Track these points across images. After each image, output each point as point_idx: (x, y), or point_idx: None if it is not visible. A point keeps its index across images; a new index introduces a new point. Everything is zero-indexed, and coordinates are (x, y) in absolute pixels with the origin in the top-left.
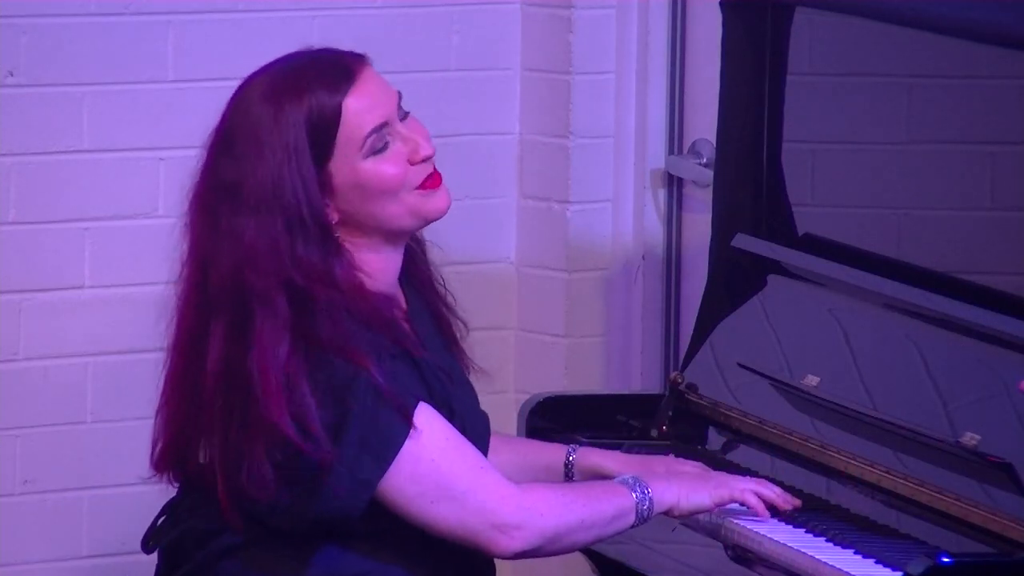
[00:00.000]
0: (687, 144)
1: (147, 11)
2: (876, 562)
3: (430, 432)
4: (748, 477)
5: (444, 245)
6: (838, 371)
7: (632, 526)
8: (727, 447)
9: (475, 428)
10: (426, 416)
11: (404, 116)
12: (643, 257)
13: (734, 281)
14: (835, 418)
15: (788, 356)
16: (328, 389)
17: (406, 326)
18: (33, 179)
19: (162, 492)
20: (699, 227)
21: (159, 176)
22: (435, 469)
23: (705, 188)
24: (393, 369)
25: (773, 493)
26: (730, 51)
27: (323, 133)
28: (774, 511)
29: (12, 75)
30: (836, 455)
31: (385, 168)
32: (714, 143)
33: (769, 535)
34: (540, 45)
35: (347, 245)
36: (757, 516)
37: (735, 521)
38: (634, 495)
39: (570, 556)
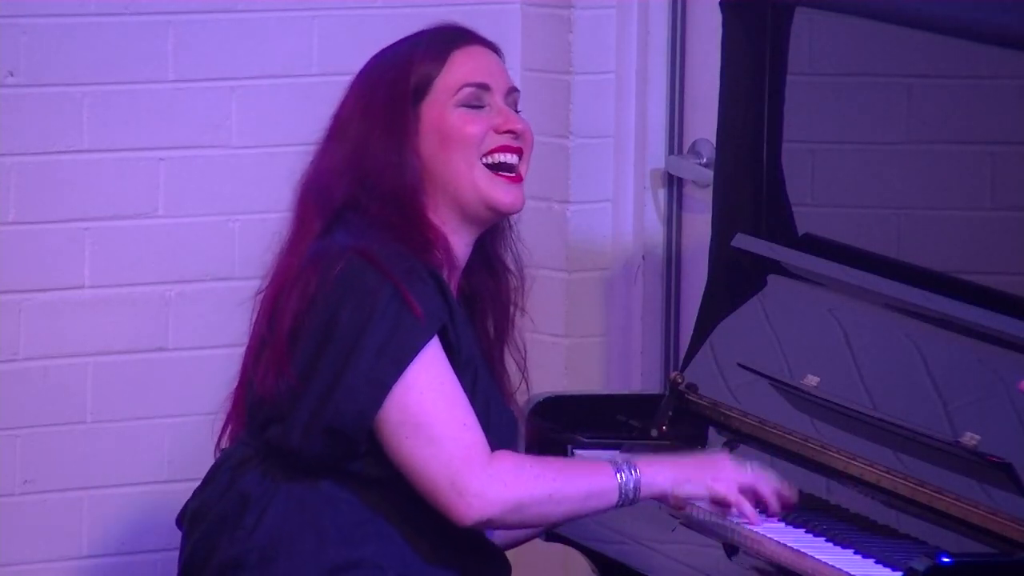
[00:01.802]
0: (687, 144)
1: (147, 11)
2: (876, 562)
3: (431, 367)
4: (753, 472)
5: None
6: (838, 371)
7: (616, 506)
8: (727, 447)
9: (495, 410)
10: (434, 351)
11: (514, 106)
12: (643, 257)
13: (734, 281)
14: (835, 418)
15: (788, 356)
16: (355, 292)
17: (446, 272)
18: (33, 179)
19: (163, 492)
20: (699, 227)
21: (159, 176)
22: (421, 403)
23: (705, 188)
24: (422, 292)
25: (769, 493)
26: (730, 51)
27: (425, 73)
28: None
29: (12, 75)
30: (836, 455)
31: (468, 121)
32: (714, 143)
33: (769, 535)
34: (540, 45)
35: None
36: (749, 522)
37: (735, 521)
38: (619, 476)
39: (570, 556)
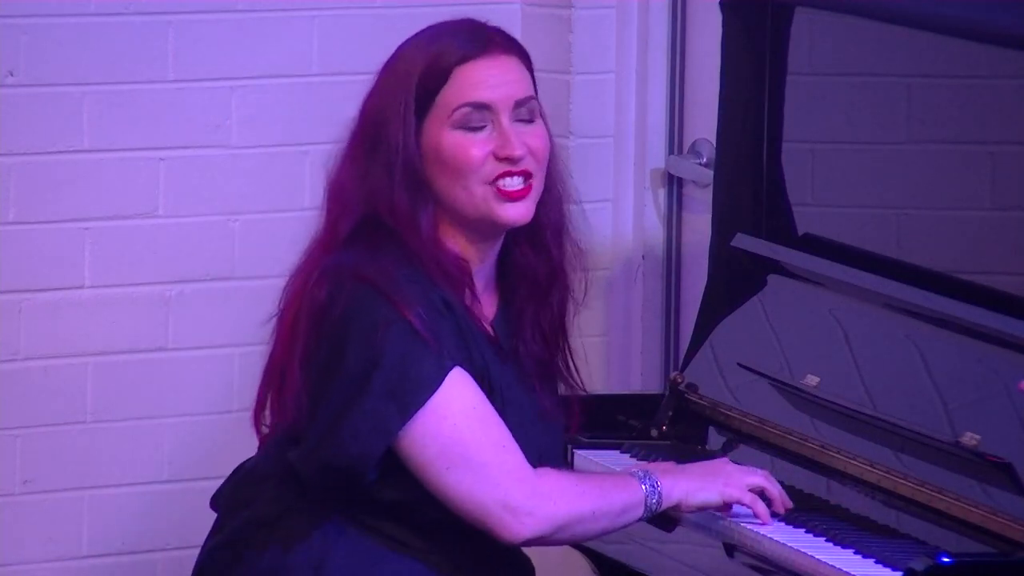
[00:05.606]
0: (687, 144)
1: (147, 11)
2: (876, 562)
3: (459, 394)
4: (759, 472)
5: None
6: (838, 371)
7: (639, 519)
8: (727, 447)
9: (522, 424)
10: (459, 378)
11: (523, 119)
12: (643, 257)
13: (734, 281)
14: (835, 418)
15: (788, 356)
16: (362, 325)
17: (468, 295)
18: (33, 179)
19: (163, 492)
20: (699, 227)
21: (159, 176)
22: (455, 433)
23: (705, 188)
24: (438, 324)
25: (776, 491)
26: (730, 51)
27: (429, 88)
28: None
29: (12, 75)
30: (836, 455)
31: (465, 146)
32: (714, 143)
33: (769, 535)
34: (540, 45)
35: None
36: (763, 522)
37: (735, 521)
38: (644, 487)
39: (570, 556)
